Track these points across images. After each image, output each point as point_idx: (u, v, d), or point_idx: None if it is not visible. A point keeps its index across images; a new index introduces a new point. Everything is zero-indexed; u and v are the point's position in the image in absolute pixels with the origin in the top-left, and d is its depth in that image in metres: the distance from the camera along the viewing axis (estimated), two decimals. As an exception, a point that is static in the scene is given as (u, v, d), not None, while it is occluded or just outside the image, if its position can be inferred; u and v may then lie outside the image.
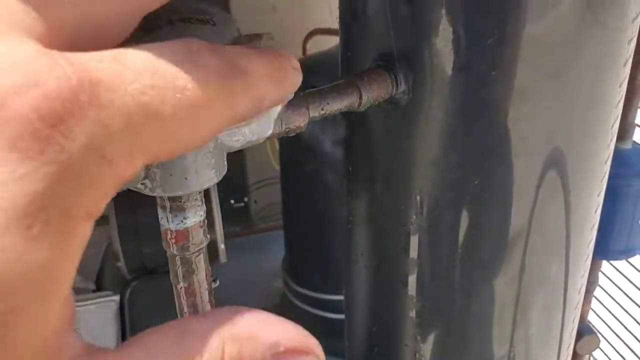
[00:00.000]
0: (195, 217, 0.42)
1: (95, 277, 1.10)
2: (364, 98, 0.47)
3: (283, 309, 1.49)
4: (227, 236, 1.25)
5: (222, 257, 1.05)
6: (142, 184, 0.39)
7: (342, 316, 1.44)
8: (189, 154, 0.37)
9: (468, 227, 0.53)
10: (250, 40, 0.36)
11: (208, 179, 0.39)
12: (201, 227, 0.43)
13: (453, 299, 0.56)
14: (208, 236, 0.44)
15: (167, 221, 0.42)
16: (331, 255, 1.36)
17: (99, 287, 1.12)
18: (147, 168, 0.37)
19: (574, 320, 0.62)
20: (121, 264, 1.07)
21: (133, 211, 1.09)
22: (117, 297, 1.09)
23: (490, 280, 0.55)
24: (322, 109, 0.45)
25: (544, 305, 0.58)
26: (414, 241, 0.55)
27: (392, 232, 0.56)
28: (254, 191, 1.88)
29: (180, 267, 0.43)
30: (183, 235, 0.42)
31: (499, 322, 0.57)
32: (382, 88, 0.47)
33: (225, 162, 0.41)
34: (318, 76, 1.14)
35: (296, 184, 1.41)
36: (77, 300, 1.07)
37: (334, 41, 1.46)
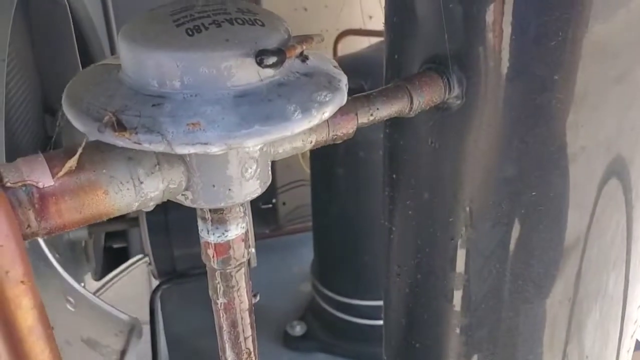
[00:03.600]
0: (237, 229, 0.39)
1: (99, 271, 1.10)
2: (415, 103, 0.44)
3: (312, 313, 1.47)
4: (255, 238, 1.23)
5: (253, 262, 1.03)
6: (183, 195, 0.36)
7: (372, 322, 1.42)
8: (232, 163, 0.34)
9: (520, 241, 0.49)
10: (301, 41, 0.33)
11: (252, 190, 0.37)
12: (243, 240, 0.40)
13: (501, 316, 0.53)
14: (251, 249, 0.42)
15: (208, 233, 0.39)
16: (363, 260, 1.33)
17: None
18: (189, 179, 0.35)
19: (632, 337, 0.58)
20: (152, 267, 1.05)
21: (165, 212, 1.07)
22: (145, 258, 1.07)
23: (542, 297, 0.52)
24: (372, 115, 0.42)
25: (600, 323, 0.54)
26: (461, 255, 0.52)
27: (439, 244, 0.53)
28: (282, 193, 1.87)
29: (220, 282, 0.41)
30: (224, 249, 0.40)
31: (550, 341, 0.54)
32: (434, 92, 0.44)
33: (270, 172, 0.39)
34: (352, 79, 1.12)
35: (326, 187, 1.38)
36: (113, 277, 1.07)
37: (365, 42, 1.43)
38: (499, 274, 0.51)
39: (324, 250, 1.47)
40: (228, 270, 0.40)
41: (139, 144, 0.30)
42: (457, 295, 0.54)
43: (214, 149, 0.30)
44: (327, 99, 0.33)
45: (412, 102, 0.44)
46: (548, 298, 0.52)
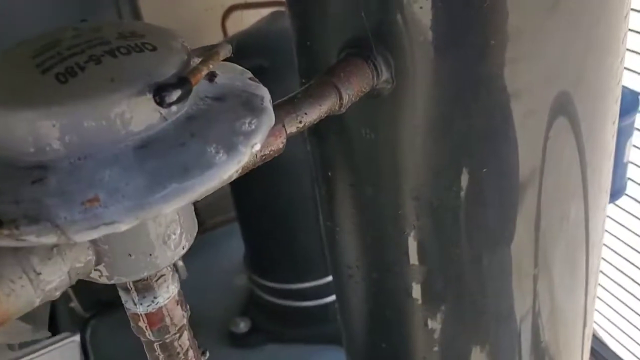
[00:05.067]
0: (168, 292, 0.32)
1: (48, 323, 0.98)
2: (345, 98, 0.38)
3: (253, 306, 1.41)
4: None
5: (182, 274, 0.96)
6: (95, 271, 0.29)
7: (316, 302, 1.38)
8: (150, 229, 0.27)
9: (473, 198, 0.45)
10: (206, 60, 0.27)
11: (179, 249, 0.30)
12: (177, 301, 0.34)
13: (463, 270, 0.49)
14: (187, 308, 0.35)
15: (134, 304, 0.32)
16: (296, 241, 1.28)
17: (54, 332, 1.00)
18: (98, 253, 0.28)
19: (597, 259, 0.57)
20: (75, 303, 0.95)
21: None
22: (77, 337, 0.98)
23: (504, 244, 0.48)
24: (300, 122, 0.36)
25: (566, 253, 0.52)
26: (415, 246, 0.48)
27: (391, 239, 0.48)
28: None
29: (161, 354, 0.34)
30: (157, 318, 0.33)
31: (519, 284, 0.51)
32: (362, 81, 0.39)
33: (195, 217, 0.32)
34: (249, 59, 1.04)
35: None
36: (36, 350, 0.96)
37: (256, 16, 1.35)
38: (452, 233, 0.47)
39: (253, 239, 1.41)
40: (168, 340, 0.33)
41: (24, 240, 0.22)
42: (417, 288, 0.50)
43: (123, 227, 0.23)
44: (253, 126, 0.27)
45: (341, 98, 0.38)
46: (511, 243, 0.48)
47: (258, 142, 0.26)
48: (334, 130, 0.46)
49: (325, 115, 0.38)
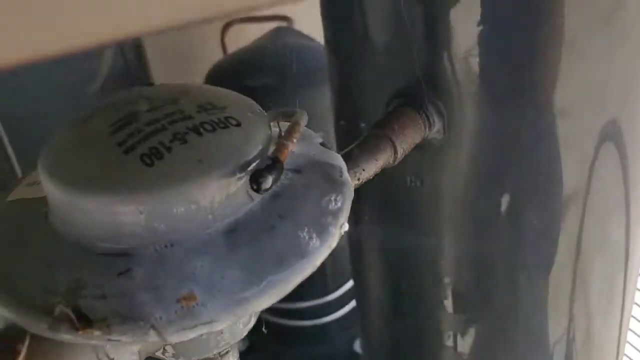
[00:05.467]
0: (230, 362, 0.31)
1: None
2: (399, 151, 0.37)
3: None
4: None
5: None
6: (164, 349, 0.28)
7: (316, 322, 1.37)
8: None
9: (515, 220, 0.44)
10: (289, 134, 0.25)
11: (249, 323, 0.29)
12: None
13: (498, 292, 0.48)
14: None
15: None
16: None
17: None
18: None
19: (634, 285, 0.56)
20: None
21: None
22: None
23: (543, 259, 0.47)
24: (358, 179, 0.34)
25: (604, 273, 0.51)
26: (450, 294, 0.47)
27: (426, 292, 0.47)
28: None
29: None
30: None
31: (555, 298, 0.50)
32: (415, 133, 0.38)
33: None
34: (257, 79, 1.02)
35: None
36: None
37: (256, 31, 1.33)
38: (494, 278, 0.46)
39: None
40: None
41: (116, 340, 0.21)
42: (449, 305, 0.49)
43: (220, 326, 0.21)
44: (339, 203, 0.25)
45: (395, 152, 0.37)
46: (551, 266, 0.47)
47: (344, 220, 0.25)
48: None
49: (380, 169, 0.37)
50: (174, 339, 0.21)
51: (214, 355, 0.29)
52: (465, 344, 0.50)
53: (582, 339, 0.53)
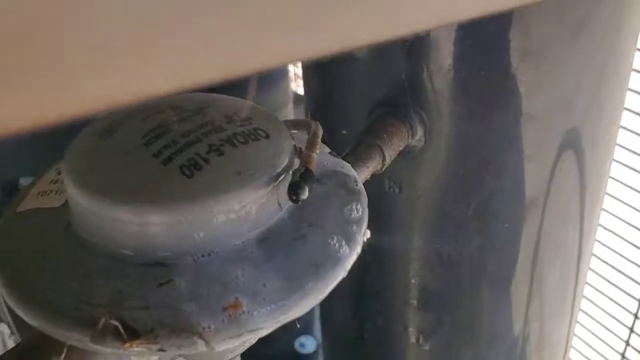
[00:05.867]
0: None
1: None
2: (387, 159, 0.38)
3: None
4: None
5: None
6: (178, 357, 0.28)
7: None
8: None
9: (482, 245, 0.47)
10: (311, 144, 0.26)
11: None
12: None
13: (463, 297, 0.50)
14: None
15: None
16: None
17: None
18: None
19: (583, 286, 0.60)
20: (15, 335, 0.88)
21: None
22: None
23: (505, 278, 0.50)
24: (352, 187, 0.36)
25: (559, 276, 0.54)
26: (417, 294, 0.49)
27: (398, 287, 0.49)
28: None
29: None
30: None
31: (515, 300, 0.52)
32: (401, 141, 0.39)
33: None
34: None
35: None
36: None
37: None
38: (461, 286, 0.49)
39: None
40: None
41: (164, 350, 0.21)
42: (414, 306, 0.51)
43: (265, 333, 0.22)
44: (360, 212, 0.26)
45: (384, 160, 0.38)
46: (513, 271, 0.50)
47: (365, 228, 0.26)
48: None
49: (369, 176, 0.38)
50: (221, 346, 0.21)
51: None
52: (430, 342, 0.53)
53: (536, 339, 0.56)
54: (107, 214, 0.22)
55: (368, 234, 0.26)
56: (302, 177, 0.23)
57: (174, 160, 0.23)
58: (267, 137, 0.25)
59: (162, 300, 0.21)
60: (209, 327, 0.21)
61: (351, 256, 0.24)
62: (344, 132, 0.44)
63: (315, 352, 0.88)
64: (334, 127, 0.45)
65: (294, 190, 0.23)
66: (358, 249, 0.25)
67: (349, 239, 0.25)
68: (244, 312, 0.21)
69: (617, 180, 0.65)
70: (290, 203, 0.25)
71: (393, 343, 0.54)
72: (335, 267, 0.24)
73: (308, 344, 0.87)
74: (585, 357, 0.70)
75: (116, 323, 0.21)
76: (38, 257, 0.24)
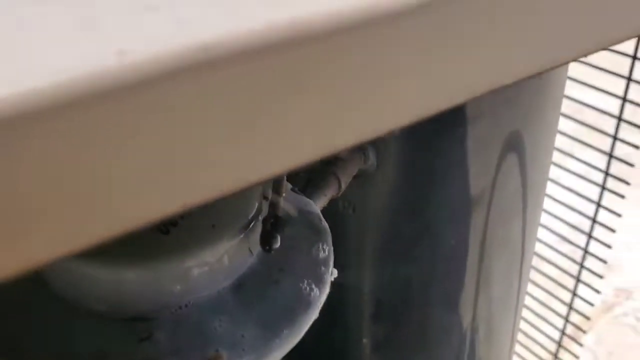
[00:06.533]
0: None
1: None
2: (343, 185, 0.40)
3: None
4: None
5: None
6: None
7: None
8: None
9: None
10: (277, 188, 0.27)
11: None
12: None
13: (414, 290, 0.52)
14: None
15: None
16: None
17: None
18: None
19: (527, 279, 0.63)
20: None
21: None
22: None
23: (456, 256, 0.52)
24: (311, 215, 0.37)
25: (504, 269, 0.57)
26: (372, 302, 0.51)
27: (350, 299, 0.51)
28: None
29: None
30: None
31: (465, 292, 0.55)
32: (355, 167, 0.41)
33: None
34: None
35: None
36: None
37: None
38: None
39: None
40: None
41: (148, 408, 0.22)
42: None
43: (244, 380, 0.23)
44: (326, 252, 0.28)
45: (340, 186, 0.39)
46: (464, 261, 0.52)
47: (332, 266, 0.27)
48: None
49: (327, 202, 0.39)
50: (205, 398, 0.22)
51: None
52: (384, 349, 0.55)
53: (484, 332, 0.59)
54: (85, 272, 0.23)
55: (335, 273, 0.27)
56: (273, 226, 0.24)
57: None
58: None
59: (144, 356, 0.22)
60: (192, 380, 0.22)
61: (322, 297, 0.26)
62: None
63: None
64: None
65: (267, 241, 0.24)
66: (327, 290, 0.26)
67: (319, 281, 0.26)
68: (225, 363, 0.22)
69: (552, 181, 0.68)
70: (260, 248, 0.26)
71: (349, 354, 0.56)
72: (308, 310, 0.25)
73: None
74: (529, 350, 0.74)
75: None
76: (18, 313, 0.24)
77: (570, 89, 0.64)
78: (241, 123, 0.15)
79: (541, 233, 0.70)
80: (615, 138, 0.61)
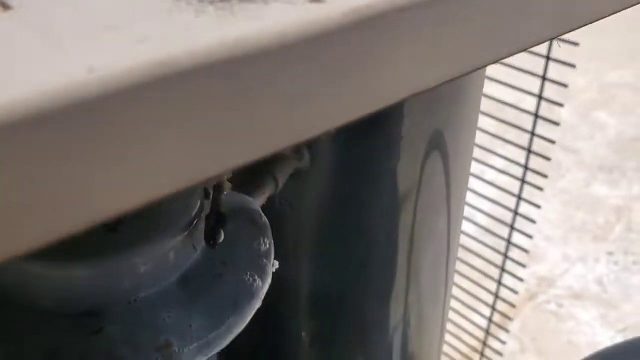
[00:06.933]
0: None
1: None
2: (280, 183, 0.41)
3: None
4: None
5: None
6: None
7: None
8: None
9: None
10: (219, 185, 0.29)
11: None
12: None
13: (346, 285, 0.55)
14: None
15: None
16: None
17: None
18: None
19: (453, 272, 0.66)
20: None
21: None
22: None
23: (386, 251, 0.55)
24: (250, 213, 0.38)
25: (433, 262, 0.60)
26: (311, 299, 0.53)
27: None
28: None
29: None
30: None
31: (396, 286, 0.57)
32: (292, 166, 0.43)
33: None
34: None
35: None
36: None
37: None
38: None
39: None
40: None
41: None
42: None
43: (194, 366, 0.24)
44: (267, 245, 0.29)
45: (277, 185, 0.41)
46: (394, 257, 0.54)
47: (273, 258, 0.29)
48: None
49: (266, 200, 0.41)
50: (156, 385, 0.23)
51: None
52: (322, 341, 0.57)
53: (416, 323, 0.62)
54: (34, 270, 0.24)
55: (276, 264, 0.29)
56: (217, 222, 0.26)
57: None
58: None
59: (96, 349, 0.23)
60: (143, 369, 0.23)
61: (264, 288, 0.27)
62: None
63: None
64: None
65: (211, 236, 0.25)
66: (269, 280, 0.28)
67: (261, 272, 0.28)
68: (175, 351, 0.24)
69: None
70: (204, 244, 0.28)
71: (288, 347, 0.58)
72: (251, 300, 0.26)
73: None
74: (459, 338, 0.78)
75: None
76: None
77: (491, 88, 0.68)
78: (191, 127, 0.16)
79: (467, 226, 0.74)
80: (533, 134, 0.65)
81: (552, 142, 0.65)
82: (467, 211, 0.71)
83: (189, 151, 0.16)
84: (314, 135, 0.20)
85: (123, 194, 0.15)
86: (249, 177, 0.40)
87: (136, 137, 0.14)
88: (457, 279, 0.77)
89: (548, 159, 0.65)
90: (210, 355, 0.25)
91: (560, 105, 0.65)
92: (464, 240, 0.74)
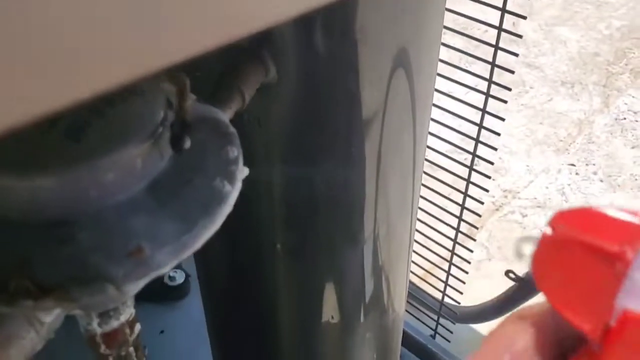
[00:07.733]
0: (127, 312, 0.34)
1: None
2: (247, 98, 0.41)
3: None
4: None
5: None
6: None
7: None
8: None
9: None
10: (182, 93, 0.28)
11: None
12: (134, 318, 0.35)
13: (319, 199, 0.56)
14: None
15: (94, 326, 0.33)
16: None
17: None
18: None
19: (419, 186, 0.68)
20: None
21: None
22: None
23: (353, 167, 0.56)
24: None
25: (399, 176, 0.61)
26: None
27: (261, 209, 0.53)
28: None
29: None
30: (115, 337, 0.34)
31: (365, 201, 0.59)
32: (258, 80, 0.42)
33: None
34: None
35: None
36: None
37: None
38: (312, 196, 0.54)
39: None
40: (123, 353, 0.35)
41: (76, 301, 0.23)
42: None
43: (166, 270, 0.25)
44: (235, 153, 0.29)
45: (244, 99, 0.41)
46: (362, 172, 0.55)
47: (242, 165, 0.29)
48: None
49: (233, 115, 0.40)
50: (130, 289, 0.24)
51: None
52: (296, 253, 0.58)
53: (384, 235, 0.63)
54: (1, 182, 0.23)
55: (246, 171, 0.29)
56: (182, 129, 0.26)
57: (58, 125, 0.24)
58: (142, 93, 0.27)
59: (67, 257, 0.23)
60: (117, 273, 0.23)
61: (234, 193, 0.27)
62: (198, 74, 0.46)
63: (184, 283, 0.92)
64: (188, 70, 0.46)
65: (176, 142, 0.25)
66: (239, 185, 0.28)
67: (230, 178, 0.28)
68: (147, 255, 0.24)
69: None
70: (171, 153, 0.27)
71: (263, 259, 0.59)
72: (221, 204, 0.27)
73: (177, 276, 0.90)
74: (428, 248, 0.81)
75: (28, 284, 0.22)
76: None
77: (458, 5, 0.68)
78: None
79: (435, 143, 0.75)
80: (497, 47, 0.65)
81: (516, 54, 0.65)
82: (436, 128, 0.72)
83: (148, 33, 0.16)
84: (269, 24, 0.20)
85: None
86: (215, 91, 0.40)
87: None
88: (427, 193, 0.78)
89: (512, 71, 0.65)
90: (182, 258, 0.25)
91: (524, 17, 0.65)
92: (433, 156, 0.75)
